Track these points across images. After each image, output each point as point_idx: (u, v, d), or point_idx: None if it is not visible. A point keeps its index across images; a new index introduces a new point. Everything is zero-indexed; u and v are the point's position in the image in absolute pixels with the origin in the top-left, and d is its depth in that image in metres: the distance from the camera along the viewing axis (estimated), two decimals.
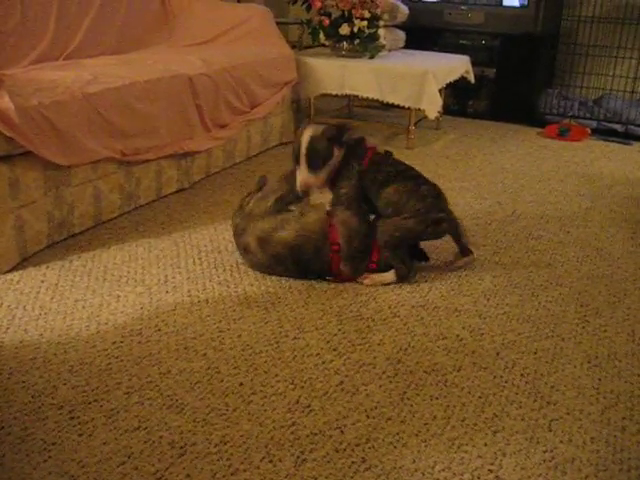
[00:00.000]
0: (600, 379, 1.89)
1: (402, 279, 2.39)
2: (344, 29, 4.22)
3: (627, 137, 4.74)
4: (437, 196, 2.42)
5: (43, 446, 1.55)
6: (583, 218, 3.14)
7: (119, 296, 2.25)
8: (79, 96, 2.60)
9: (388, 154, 2.52)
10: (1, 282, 2.31)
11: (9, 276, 2.36)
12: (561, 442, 1.63)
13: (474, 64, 4.82)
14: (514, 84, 5.09)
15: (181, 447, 1.56)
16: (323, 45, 4.59)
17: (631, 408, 1.77)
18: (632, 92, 5.07)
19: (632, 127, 4.76)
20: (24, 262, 2.45)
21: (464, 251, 2.54)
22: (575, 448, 1.61)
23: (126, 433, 1.60)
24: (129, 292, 2.28)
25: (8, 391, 1.74)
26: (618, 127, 4.79)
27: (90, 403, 1.71)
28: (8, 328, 2.04)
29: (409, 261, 2.40)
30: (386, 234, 2.33)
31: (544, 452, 1.59)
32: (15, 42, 3.07)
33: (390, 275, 2.38)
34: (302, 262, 2.34)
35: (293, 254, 2.33)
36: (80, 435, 1.59)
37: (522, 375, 1.89)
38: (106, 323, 2.09)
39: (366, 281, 2.37)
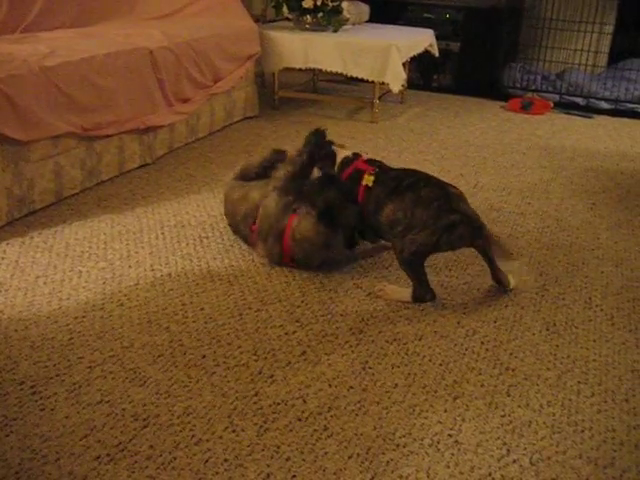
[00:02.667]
0: (557, 345, 1.93)
1: (417, 300, 2.12)
2: (307, 2, 4.19)
3: (588, 110, 4.79)
4: (444, 196, 2.10)
5: (4, 422, 1.55)
6: (544, 190, 3.18)
7: (81, 272, 2.24)
8: (36, 70, 2.55)
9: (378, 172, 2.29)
10: None
11: None
12: (518, 406, 1.67)
13: (438, 38, 4.83)
14: (478, 58, 5.11)
15: (144, 419, 1.57)
16: (287, 19, 4.56)
17: (586, 372, 1.81)
18: (594, 66, 5.13)
19: (593, 100, 4.82)
20: None
21: (495, 274, 2.20)
22: (532, 412, 1.65)
23: (89, 407, 1.61)
24: (91, 267, 2.26)
25: None
26: (580, 100, 4.85)
27: (52, 378, 1.70)
28: None
29: (426, 282, 2.12)
30: (399, 252, 2.11)
31: (502, 417, 1.63)
32: None
33: (406, 292, 2.14)
34: (235, 223, 2.45)
35: (235, 212, 2.43)
36: (42, 410, 1.59)
37: (482, 343, 1.93)
38: (68, 299, 2.07)
39: (379, 292, 2.17)
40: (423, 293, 2.12)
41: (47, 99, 2.60)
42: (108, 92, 2.92)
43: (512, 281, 2.21)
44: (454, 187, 2.19)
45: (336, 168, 2.41)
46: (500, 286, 2.21)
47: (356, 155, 2.42)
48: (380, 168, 2.32)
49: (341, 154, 2.44)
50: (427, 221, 2.06)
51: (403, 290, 2.15)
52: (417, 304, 2.12)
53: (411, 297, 2.12)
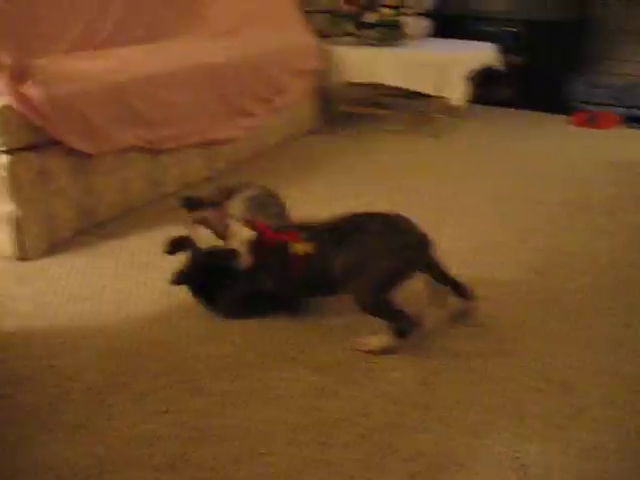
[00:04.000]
0: (625, 365, 1.87)
1: (402, 335, 1.89)
2: (370, 17, 4.21)
3: None
4: (392, 223, 1.97)
5: (72, 428, 1.59)
6: (612, 206, 3.10)
7: (146, 282, 2.28)
8: (107, 85, 2.63)
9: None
10: (31, 268, 2.35)
11: (39, 263, 2.40)
12: (585, 430, 1.62)
13: (500, 51, 4.78)
14: (541, 71, 5.04)
15: (207, 430, 1.58)
16: (349, 34, 4.58)
17: None
18: None
19: None
20: (53, 249, 2.49)
21: (457, 288, 2.04)
22: (600, 435, 1.60)
23: (153, 416, 1.63)
24: (156, 279, 2.30)
25: (38, 374, 1.78)
26: None
27: (118, 387, 1.74)
28: (38, 314, 2.07)
29: (402, 312, 1.90)
30: (361, 298, 1.91)
31: (568, 439, 1.59)
32: (46, 32, 3.10)
33: (382, 338, 1.91)
34: None
35: None
36: (108, 418, 1.62)
37: (546, 363, 1.89)
38: (134, 309, 2.12)
39: (362, 347, 1.93)
40: (404, 326, 1.90)
41: (116, 113, 2.68)
42: (173, 107, 2.98)
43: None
44: (396, 214, 2.02)
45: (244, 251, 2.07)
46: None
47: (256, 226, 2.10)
48: (303, 229, 2.05)
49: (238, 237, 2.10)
50: (382, 251, 1.90)
51: (375, 338, 1.92)
52: (403, 338, 1.90)
53: (394, 336, 1.90)
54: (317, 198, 3.09)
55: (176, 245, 2.14)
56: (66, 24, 3.23)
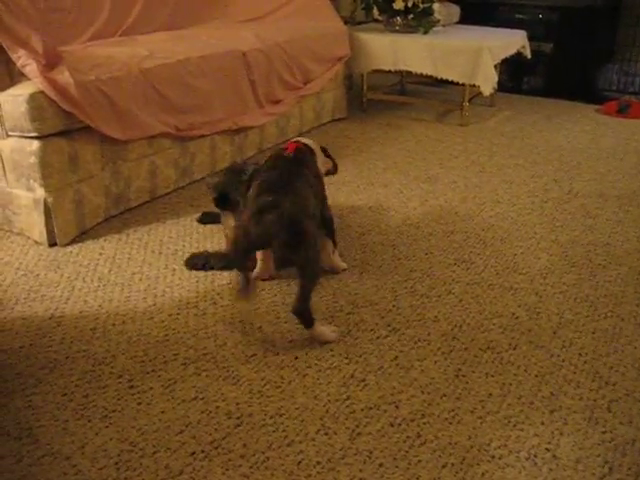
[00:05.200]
0: None
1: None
2: (398, 4, 4.17)
3: None
4: (268, 181, 1.90)
5: (104, 413, 1.59)
6: None
7: (175, 269, 2.28)
8: (136, 71, 2.63)
9: None
10: (61, 254, 2.37)
11: (69, 249, 2.41)
12: (620, 423, 1.59)
13: (530, 39, 4.70)
14: (571, 59, 4.96)
15: (237, 418, 1.58)
16: (376, 20, 4.54)
17: None
18: None
19: None
20: (83, 235, 2.50)
21: (295, 305, 1.84)
22: (635, 430, 1.58)
23: (184, 403, 1.63)
24: (185, 265, 2.30)
25: (70, 359, 1.78)
26: None
27: (148, 373, 1.74)
28: (68, 299, 2.08)
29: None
30: None
31: (603, 433, 1.56)
32: (73, 19, 3.10)
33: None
34: None
35: None
36: (139, 404, 1.63)
37: (580, 355, 1.86)
38: (162, 295, 2.12)
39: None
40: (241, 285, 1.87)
41: (144, 100, 2.67)
42: (202, 93, 2.97)
43: None
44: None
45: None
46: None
47: None
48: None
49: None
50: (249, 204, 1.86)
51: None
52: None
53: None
54: (346, 186, 3.07)
55: (208, 216, 2.56)
56: (93, 11, 3.24)
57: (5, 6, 2.27)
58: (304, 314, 1.82)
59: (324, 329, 1.88)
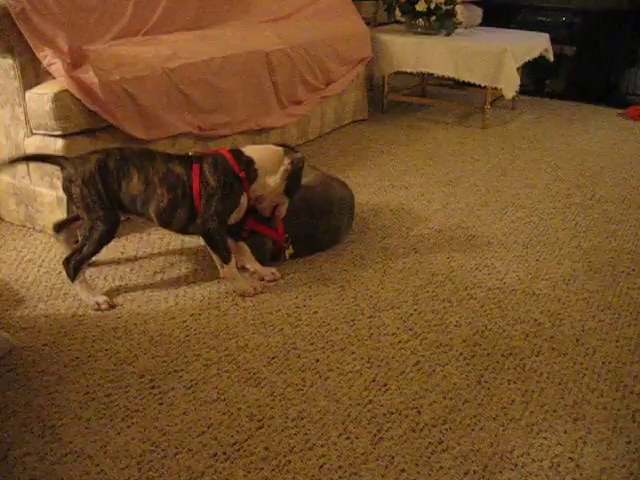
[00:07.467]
0: None
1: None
2: (420, 5, 4.15)
3: None
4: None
5: (126, 413, 1.60)
6: None
7: (196, 269, 2.29)
8: (159, 71, 2.63)
9: None
10: None
11: None
12: None
13: (552, 42, 4.66)
14: (595, 63, 4.92)
15: (259, 420, 1.58)
16: (398, 22, 4.52)
17: None
18: None
19: None
20: None
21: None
22: None
23: (205, 404, 1.63)
24: (206, 266, 2.30)
25: (92, 358, 1.79)
26: None
27: (170, 373, 1.74)
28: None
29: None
30: None
31: (627, 443, 1.55)
32: (97, 18, 3.11)
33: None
34: None
35: None
36: (161, 404, 1.63)
37: (603, 363, 1.84)
38: (184, 295, 2.12)
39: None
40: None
41: (168, 100, 2.68)
42: (225, 93, 2.98)
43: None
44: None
45: None
46: None
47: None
48: None
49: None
50: None
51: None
52: None
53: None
54: (367, 188, 3.06)
55: None
56: (117, 10, 3.25)
57: (31, 5, 2.29)
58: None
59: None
